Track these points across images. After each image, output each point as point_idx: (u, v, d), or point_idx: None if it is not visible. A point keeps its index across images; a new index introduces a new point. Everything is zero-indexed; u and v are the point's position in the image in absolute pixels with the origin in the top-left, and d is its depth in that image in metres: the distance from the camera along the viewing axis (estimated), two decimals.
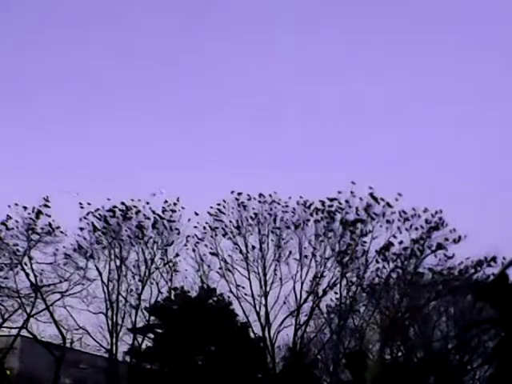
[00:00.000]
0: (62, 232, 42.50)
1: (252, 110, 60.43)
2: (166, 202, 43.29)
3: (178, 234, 43.64)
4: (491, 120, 59.58)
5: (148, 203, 43.19)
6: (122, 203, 43.28)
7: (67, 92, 64.92)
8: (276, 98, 62.09)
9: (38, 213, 42.28)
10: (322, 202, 43.28)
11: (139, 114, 65.47)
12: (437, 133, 60.84)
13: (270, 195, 43.23)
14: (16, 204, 41.79)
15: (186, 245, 43.62)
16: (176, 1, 64.33)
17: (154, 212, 43.53)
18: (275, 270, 43.45)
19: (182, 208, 43.31)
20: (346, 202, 43.14)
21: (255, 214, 43.31)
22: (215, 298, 43.84)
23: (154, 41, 64.44)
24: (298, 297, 43.48)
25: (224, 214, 43.35)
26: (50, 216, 42.33)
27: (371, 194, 42.90)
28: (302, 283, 43.46)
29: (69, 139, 63.71)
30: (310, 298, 43.74)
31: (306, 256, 43.36)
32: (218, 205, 43.19)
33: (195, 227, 43.45)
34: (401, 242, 43.43)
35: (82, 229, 42.92)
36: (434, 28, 62.65)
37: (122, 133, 63.21)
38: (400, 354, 44.70)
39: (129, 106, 64.45)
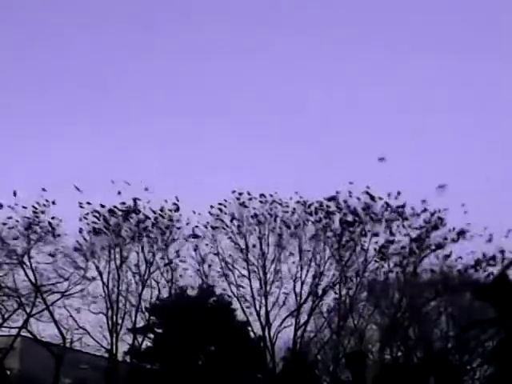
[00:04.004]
0: (65, 231, 42.63)
1: (252, 111, 60.40)
2: (166, 201, 43.40)
3: (179, 233, 43.78)
4: (491, 122, 59.56)
5: (148, 202, 43.33)
6: (122, 203, 43.34)
7: (65, 92, 64.93)
8: (275, 98, 62.09)
9: (38, 212, 42.33)
10: (321, 203, 43.39)
11: (140, 114, 65.42)
12: (435, 133, 60.82)
13: (271, 195, 43.36)
14: (16, 204, 41.89)
15: (186, 244, 43.79)
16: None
17: (154, 212, 43.59)
18: (275, 269, 43.59)
19: (183, 207, 43.45)
20: (345, 202, 43.28)
21: (255, 214, 43.40)
22: (215, 298, 43.88)
23: (154, 42, 64.42)
24: (298, 297, 43.61)
25: (225, 213, 43.46)
26: (53, 218, 42.43)
27: (369, 194, 43.01)
28: (302, 283, 43.59)
29: (68, 139, 63.67)
30: (310, 298, 43.82)
31: (306, 256, 43.50)
32: (220, 204, 43.29)
33: (196, 227, 43.59)
34: (400, 242, 43.60)
35: (81, 229, 43.04)
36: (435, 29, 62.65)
37: (121, 132, 63.20)
38: (400, 353, 44.70)
39: (129, 106, 64.43)
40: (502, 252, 41.73)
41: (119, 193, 42.19)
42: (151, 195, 42.98)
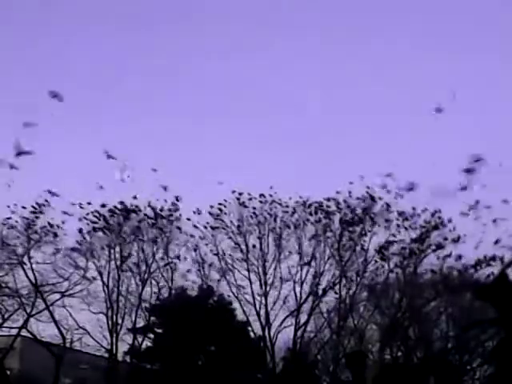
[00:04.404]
0: (65, 231, 42.66)
1: (252, 112, 60.36)
2: (166, 201, 43.43)
3: (179, 233, 43.80)
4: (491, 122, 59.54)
5: (149, 203, 43.35)
6: (122, 203, 43.34)
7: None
8: (275, 98, 62.09)
9: (38, 212, 42.34)
10: (320, 203, 43.40)
11: (140, 114, 65.43)
12: (435, 133, 60.77)
13: (271, 195, 43.34)
14: (15, 204, 41.90)
15: (186, 244, 43.81)
16: None
17: (154, 211, 43.59)
18: (275, 270, 43.62)
19: (183, 207, 43.49)
20: (345, 202, 43.31)
21: (255, 214, 43.40)
22: (215, 298, 43.90)
23: (154, 42, 64.44)
24: (298, 297, 43.63)
25: (226, 213, 43.46)
26: (53, 219, 42.49)
27: (369, 194, 43.04)
28: (302, 283, 43.60)
29: (68, 139, 63.65)
30: (310, 297, 43.84)
31: (306, 256, 43.53)
32: (220, 204, 43.29)
33: (196, 227, 43.59)
34: (400, 242, 43.57)
35: (81, 229, 43.03)
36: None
37: (121, 131, 63.15)
38: (400, 353, 44.71)
39: (129, 106, 64.42)
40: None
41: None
42: (151, 195, 43.13)
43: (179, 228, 43.62)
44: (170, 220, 43.65)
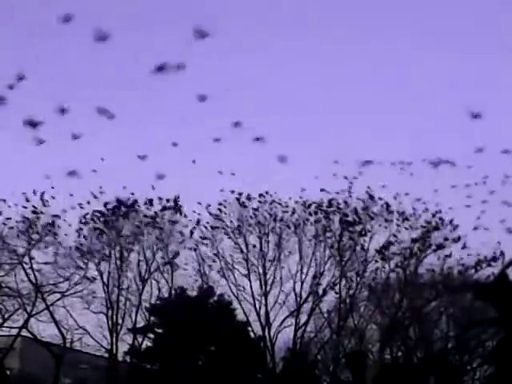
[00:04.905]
0: (65, 231, 42.65)
1: (252, 111, 60.36)
2: (168, 200, 43.39)
3: (179, 233, 43.76)
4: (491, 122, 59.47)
5: (151, 202, 43.33)
6: (123, 203, 43.30)
7: None
8: (275, 98, 62.06)
9: (39, 212, 42.34)
10: (319, 204, 43.37)
11: (141, 114, 65.41)
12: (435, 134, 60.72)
13: (271, 195, 43.31)
14: (16, 204, 41.90)
15: (186, 244, 43.79)
16: None
17: (154, 211, 43.61)
18: (275, 270, 43.59)
19: (183, 207, 43.45)
20: (345, 202, 43.30)
21: (255, 214, 43.39)
22: (215, 298, 43.89)
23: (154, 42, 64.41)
24: (298, 297, 43.61)
25: (225, 213, 43.45)
26: (55, 216, 42.43)
27: (369, 194, 43.06)
28: (302, 283, 43.59)
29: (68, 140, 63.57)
30: (310, 298, 43.83)
31: (306, 256, 43.52)
32: (220, 204, 43.28)
33: (196, 226, 43.55)
34: (400, 242, 43.58)
35: (81, 229, 43.03)
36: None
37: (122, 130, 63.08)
38: (400, 353, 44.72)
39: (130, 105, 64.39)
40: (503, 253, 41.69)
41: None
42: (152, 195, 43.16)
43: (178, 222, 43.61)
44: (170, 220, 43.66)
